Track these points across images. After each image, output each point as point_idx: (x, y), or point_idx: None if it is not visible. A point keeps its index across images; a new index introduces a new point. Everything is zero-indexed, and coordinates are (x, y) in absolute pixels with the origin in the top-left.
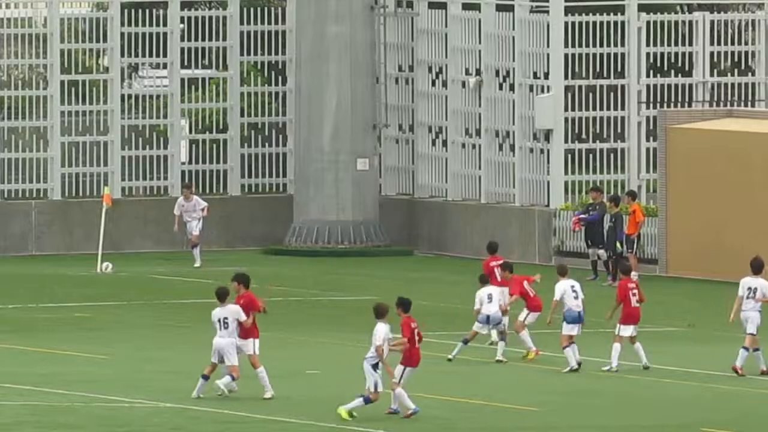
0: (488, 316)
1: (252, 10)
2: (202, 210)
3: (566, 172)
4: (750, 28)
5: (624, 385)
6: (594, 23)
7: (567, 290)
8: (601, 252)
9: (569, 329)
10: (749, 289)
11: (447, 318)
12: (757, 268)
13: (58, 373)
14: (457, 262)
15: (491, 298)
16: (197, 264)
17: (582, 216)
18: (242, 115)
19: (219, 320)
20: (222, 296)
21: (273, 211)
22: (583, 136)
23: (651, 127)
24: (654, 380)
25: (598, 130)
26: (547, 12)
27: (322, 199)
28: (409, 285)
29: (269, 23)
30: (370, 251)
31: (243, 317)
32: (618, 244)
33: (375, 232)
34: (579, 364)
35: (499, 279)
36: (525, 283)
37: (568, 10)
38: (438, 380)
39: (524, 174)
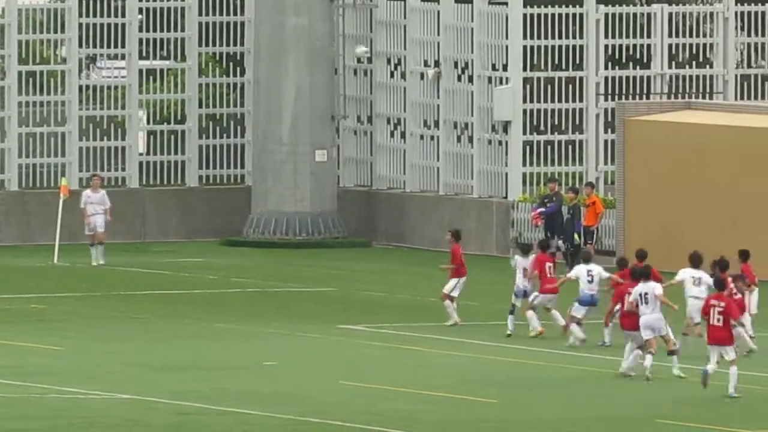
0: (591, 295)
1: (211, 0)
2: (105, 211)
3: (524, 164)
4: (708, 20)
5: (584, 376)
6: (553, 15)
7: (583, 273)
8: (560, 243)
9: (577, 310)
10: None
11: (404, 309)
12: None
13: (13, 365)
14: (415, 253)
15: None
16: (100, 262)
17: (541, 210)
18: (200, 106)
19: None
20: None
21: (231, 203)
22: (542, 127)
23: (609, 119)
24: (611, 371)
25: (556, 122)
26: (506, 4)
27: (280, 191)
28: (366, 276)
29: (228, 14)
30: (327, 243)
31: None
32: (576, 236)
33: (333, 223)
34: (583, 340)
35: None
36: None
37: (526, 2)
38: (401, 373)
39: (482, 165)
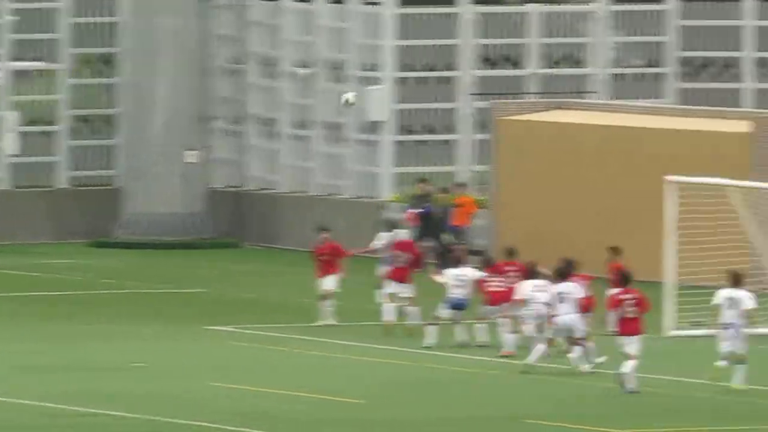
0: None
1: (83, 1)
2: None
3: (396, 164)
4: (581, 20)
5: (454, 377)
6: (426, 15)
7: (453, 276)
8: (430, 243)
9: (443, 311)
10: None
11: (273, 310)
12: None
13: None
14: (286, 254)
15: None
16: None
17: (416, 210)
18: (72, 107)
19: None
20: None
21: (102, 204)
22: (414, 128)
23: (482, 119)
24: (480, 371)
25: (428, 122)
26: (380, 4)
27: (150, 192)
28: (236, 277)
29: (100, 15)
30: (198, 243)
31: None
32: (446, 236)
33: (203, 224)
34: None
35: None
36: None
37: (400, 2)
38: (270, 373)
39: (354, 166)
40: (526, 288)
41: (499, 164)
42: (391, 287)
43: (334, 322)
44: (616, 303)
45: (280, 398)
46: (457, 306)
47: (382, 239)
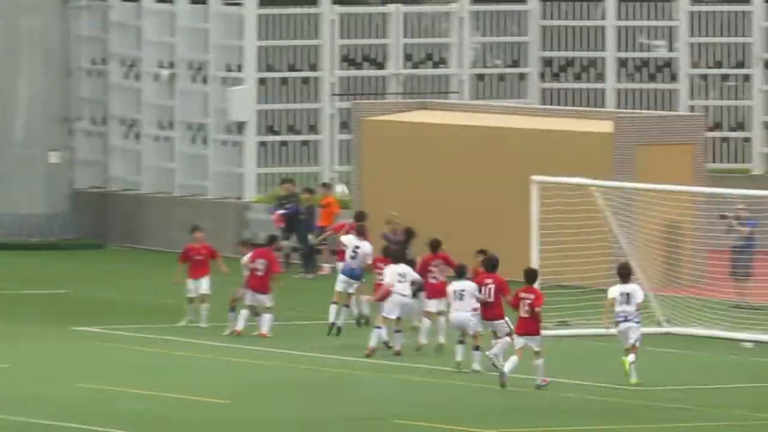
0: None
1: None
2: None
3: (260, 165)
4: (443, 20)
5: (321, 377)
6: (288, 16)
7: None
8: (286, 243)
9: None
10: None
11: (138, 311)
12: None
13: None
14: (150, 255)
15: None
16: None
17: (281, 211)
18: None
19: None
20: None
21: None
22: (277, 128)
23: (345, 119)
24: (349, 372)
25: (291, 123)
26: (241, 4)
27: (13, 192)
28: (100, 278)
29: None
30: (61, 244)
31: None
32: (311, 236)
33: (66, 225)
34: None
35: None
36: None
37: (261, 3)
38: (136, 374)
39: (218, 167)
40: (391, 277)
41: (362, 164)
42: (249, 298)
43: (206, 325)
44: (515, 303)
45: (147, 399)
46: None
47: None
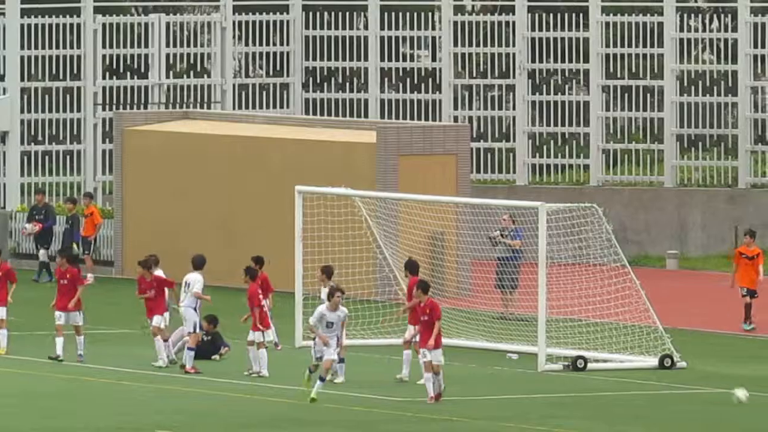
0: None
1: None
2: None
3: (23, 174)
4: (206, 30)
5: (88, 386)
6: (50, 25)
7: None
8: (42, 252)
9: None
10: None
11: None
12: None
13: None
14: None
15: None
16: None
17: (36, 225)
18: None
19: None
20: None
21: None
22: (40, 137)
23: (108, 129)
24: (114, 382)
25: (54, 132)
26: (3, 14)
27: None
28: None
29: None
30: None
31: None
32: (75, 246)
33: None
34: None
35: None
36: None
37: (24, 12)
38: None
39: None
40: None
41: (125, 174)
42: None
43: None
44: (415, 320)
45: None
46: None
47: None
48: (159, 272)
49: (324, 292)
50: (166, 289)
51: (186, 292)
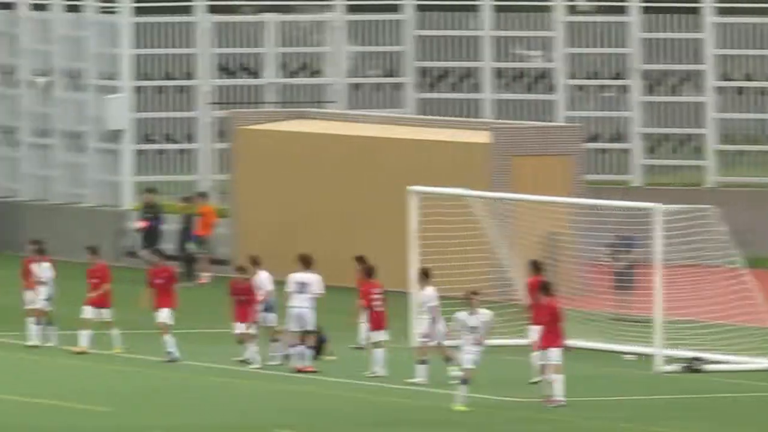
0: None
1: None
2: None
3: (137, 173)
4: (318, 30)
5: (205, 384)
6: (163, 24)
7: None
8: (144, 252)
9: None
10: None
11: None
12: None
13: None
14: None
15: None
16: None
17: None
18: None
19: None
20: None
21: None
22: (154, 137)
23: (221, 128)
24: (228, 380)
25: (168, 131)
26: (116, 13)
27: None
28: None
29: None
30: None
31: None
32: (190, 245)
33: None
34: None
35: None
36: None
37: (137, 11)
38: (9, 380)
39: (95, 175)
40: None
41: (239, 173)
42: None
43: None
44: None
45: (21, 406)
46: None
47: None
48: (263, 272)
49: (423, 295)
50: (260, 293)
51: (303, 292)
